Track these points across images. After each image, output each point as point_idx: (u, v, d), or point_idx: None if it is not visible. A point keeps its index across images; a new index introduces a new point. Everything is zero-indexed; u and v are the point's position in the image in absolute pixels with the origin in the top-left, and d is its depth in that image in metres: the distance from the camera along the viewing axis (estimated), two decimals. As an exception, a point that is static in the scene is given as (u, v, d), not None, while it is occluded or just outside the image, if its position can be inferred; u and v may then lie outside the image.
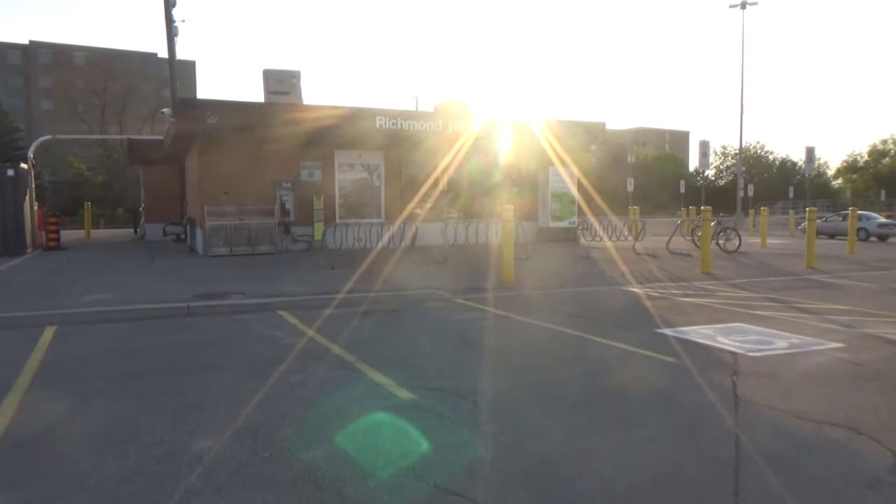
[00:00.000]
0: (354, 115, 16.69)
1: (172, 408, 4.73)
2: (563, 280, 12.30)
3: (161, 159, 23.16)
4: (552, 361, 6.21)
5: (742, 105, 38.69)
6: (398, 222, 16.56)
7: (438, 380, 5.44)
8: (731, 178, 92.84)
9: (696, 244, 18.99)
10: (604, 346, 6.72)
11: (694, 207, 27.76)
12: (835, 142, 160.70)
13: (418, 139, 17.72)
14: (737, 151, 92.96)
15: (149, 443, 4.03)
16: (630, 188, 36.27)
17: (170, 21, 16.47)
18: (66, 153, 66.77)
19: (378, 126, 16.78)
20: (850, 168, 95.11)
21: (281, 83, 17.80)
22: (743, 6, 35.88)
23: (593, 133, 19.70)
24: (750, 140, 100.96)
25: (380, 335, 7.50)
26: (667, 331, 7.51)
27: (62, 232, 31.13)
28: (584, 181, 21.53)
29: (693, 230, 19.31)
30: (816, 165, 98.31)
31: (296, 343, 6.90)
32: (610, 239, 18.93)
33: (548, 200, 19.33)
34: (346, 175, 18.40)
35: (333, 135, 16.83)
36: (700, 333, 7.37)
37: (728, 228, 18.34)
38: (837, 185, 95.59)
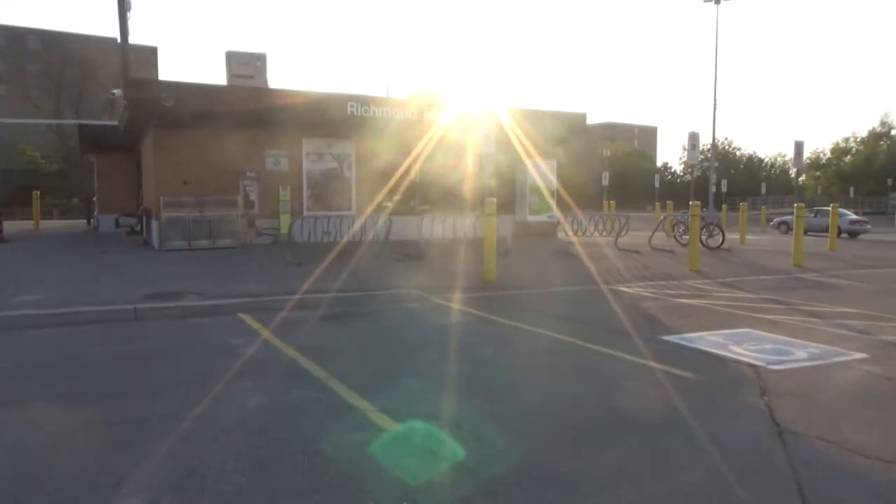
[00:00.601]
0: (324, 101, 15.69)
1: (99, 446, 3.80)
2: (547, 278, 11.54)
3: (116, 146, 21.78)
4: (554, 378, 5.41)
5: (715, 100, 38.39)
6: (370, 215, 15.63)
7: (424, 403, 4.60)
8: (699, 173, 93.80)
9: (677, 240, 18.50)
10: (609, 358, 5.95)
11: (670, 202, 27.27)
12: (798, 139, 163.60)
13: (392, 128, 16.79)
14: (706, 147, 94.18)
15: (59, 500, 3.12)
16: (605, 182, 35.78)
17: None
18: (20, 140, 63.93)
19: (349, 113, 15.79)
20: (813, 165, 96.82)
21: (245, 66, 16.69)
22: (717, 0, 35.56)
23: (573, 124, 18.98)
24: (718, 136, 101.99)
25: (353, 343, 6.62)
26: (672, 338, 6.80)
27: (9, 223, 29.45)
28: (555, 175, 20.77)
29: (675, 226, 18.77)
30: (781, 163, 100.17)
31: (257, 354, 5.99)
32: (580, 234, 18.25)
33: (526, 194, 18.58)
34: (315, 165, 17.37)
35: (301, 121, 15.79)
36: (709, 341, 6.66)
37: (711, 224, 17.83)
38: (802, 182, 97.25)
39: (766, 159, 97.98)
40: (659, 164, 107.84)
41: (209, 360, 5.80)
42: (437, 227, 14.33)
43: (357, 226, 14.36)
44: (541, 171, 18.91)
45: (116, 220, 21.65)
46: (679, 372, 5.44)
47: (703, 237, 17.91)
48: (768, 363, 5.79)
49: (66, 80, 62.39)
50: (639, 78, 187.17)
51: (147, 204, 18.42)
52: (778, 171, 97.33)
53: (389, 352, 6.28)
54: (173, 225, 15.05)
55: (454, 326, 7.46)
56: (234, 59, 16.66)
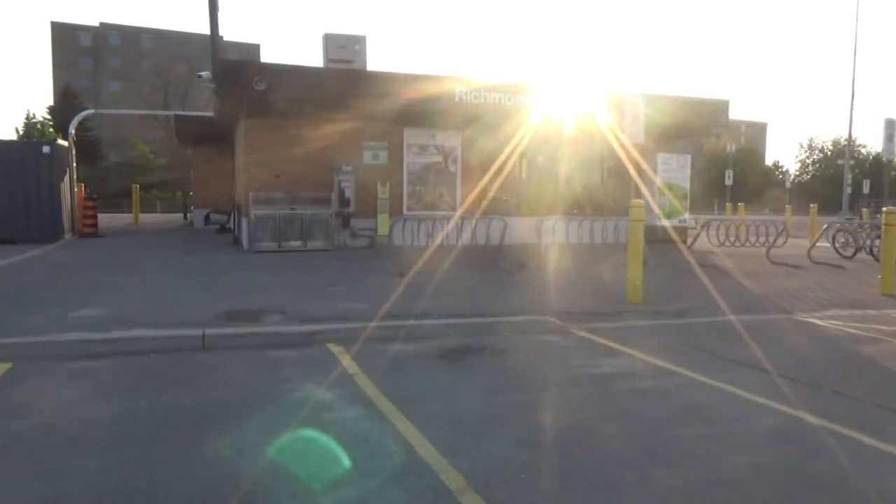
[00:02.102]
0: (428, 86, 13.86)
1: None
2: (705, 300, 9.18)
3: (211, 138, 20.97)
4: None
5: (853, 90, 34.04)
6: (477, 216, 13.73)
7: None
8: (817, 172, 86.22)
9: (838, 252, 15.49)
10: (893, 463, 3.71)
11: (813, 206, 23.65)
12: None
13: (504, 117, 14.78)
14: (826, 144, 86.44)
15: None
16: (729, 181, 32.02)
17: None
18: (132, 135, 66.83)
19: (457, 99, 13.90)
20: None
21: (343, 50, 15.11)
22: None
23: (714, 113, 16.27)
24: (839, 133, 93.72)
25: (488, 408, 4.64)
26: (966, 420, 4.44)
27: (111, 216, 29.81)
28: (689, 172, 18.09)
29: (835, 235, 15.75)
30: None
31: (355, 426, 4.16)
32: (727, 242, 15.56)
33: (655, 194, 16.08)
34: (417, 158, 15.60)
35: (402, 109, 14.07)
36: None
37: (885, 234, 14.68)
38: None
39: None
40: (768, 162, 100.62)
41: (290, 436, 4.01)
42: (559, 231, 12.24)
43: (462, 228, 12.48)
44: (674, 167, 16.37)
45: (206, 217, 20.82)
46: None
47: (874, 248, 14.87)
48: None
49: (173, 76, 64.46)
50: (745, 72, 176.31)
51: (238, 199, 17.34)
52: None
53: (543, 429, 4.28)
54: (263, 224, 13.71)
55: (618, 381, 5.37)
56: (331, 41, 15.13)
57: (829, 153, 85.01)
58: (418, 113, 14.42)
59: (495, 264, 11.75)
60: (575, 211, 16.79)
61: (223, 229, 19.47)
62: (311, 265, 11.92)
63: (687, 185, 16.70)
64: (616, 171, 17.67)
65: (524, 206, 16.64)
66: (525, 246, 13.19)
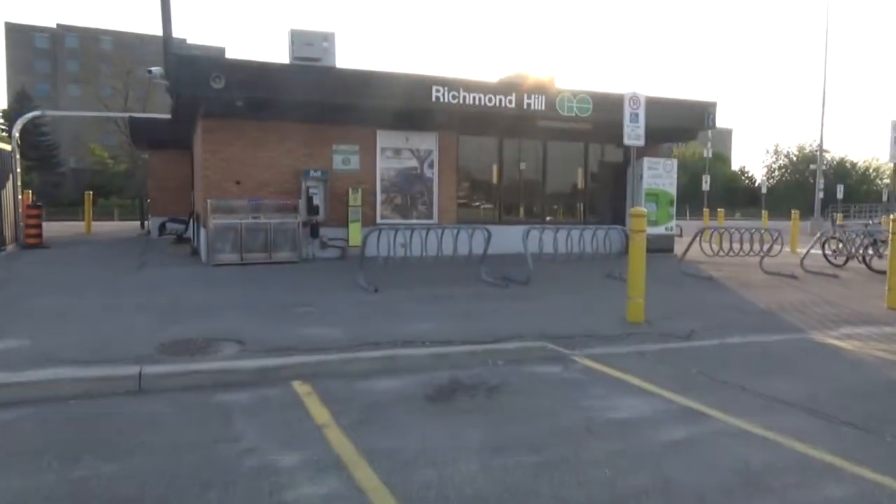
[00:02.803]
0: (404, 85, 12.90)
1: None
2: (713, 320, 8.36)
3: (168, 142, 19.69)
4: None
5: (824, 96, 34.11)
6: (458, 225, 12.77)
7: None
8: (782, 178, 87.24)
9: (828, 260, 14.93)
10: None
11: (796, 211, 23.15)
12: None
13: (484, 118, 13.88)
14: (790, 150, 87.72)
15: None
16: (706, 186, 31.45)
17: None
18: (91, 140, 64.54)
19: (434, 99, 12.93)
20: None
21: (310, 47, 14.05)
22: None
23: (701, 116, 15.58)
24: (804, 140, 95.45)
25: (495, 477, 3.67)
26: None
27: (62, 224, 28.18)
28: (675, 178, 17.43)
29: (826, 242, 15.18)
30: (875, 167, 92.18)
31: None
32: (719, 252, 14.89)
33: (641, 200, 15.33)
34: (391, 163, 14.57)
35: (375, 110, 13.08)
36: None
37: (879, 241, 14.15)
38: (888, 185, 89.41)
39: (860, 163, 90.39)
40: (735, 167, 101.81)
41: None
42: (546, 240, 11.33)
43: (440, 237, 11.47)
44: (660, 172, 15.64)
45: (161, 225, 19.47)
46: None
47: (867, 256, 14.33)
48: None
49: (133, 79, 62.36)
50: (709, 77, 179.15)
51: (196, 207, 16.13)
52: (873, 175, 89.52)
53: (568, 507, 3.33)
54: (223, 234, 12.56)
55: (644, 430, 4.44)
56: (297, 38, 14.03)
57: (795, 158, 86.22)
58: (392, 114, 13.43)
59: (479, 278, 10.83)
60: (549, 219, 15.97)
61: (180, 239, 18.19)
62: (277, 280, 10.84)
63: (674, 190, 15.99)
64: (605, 177, 16.92)
65: (508, 213, 15.77)
66: (510, 257, 12.28)
